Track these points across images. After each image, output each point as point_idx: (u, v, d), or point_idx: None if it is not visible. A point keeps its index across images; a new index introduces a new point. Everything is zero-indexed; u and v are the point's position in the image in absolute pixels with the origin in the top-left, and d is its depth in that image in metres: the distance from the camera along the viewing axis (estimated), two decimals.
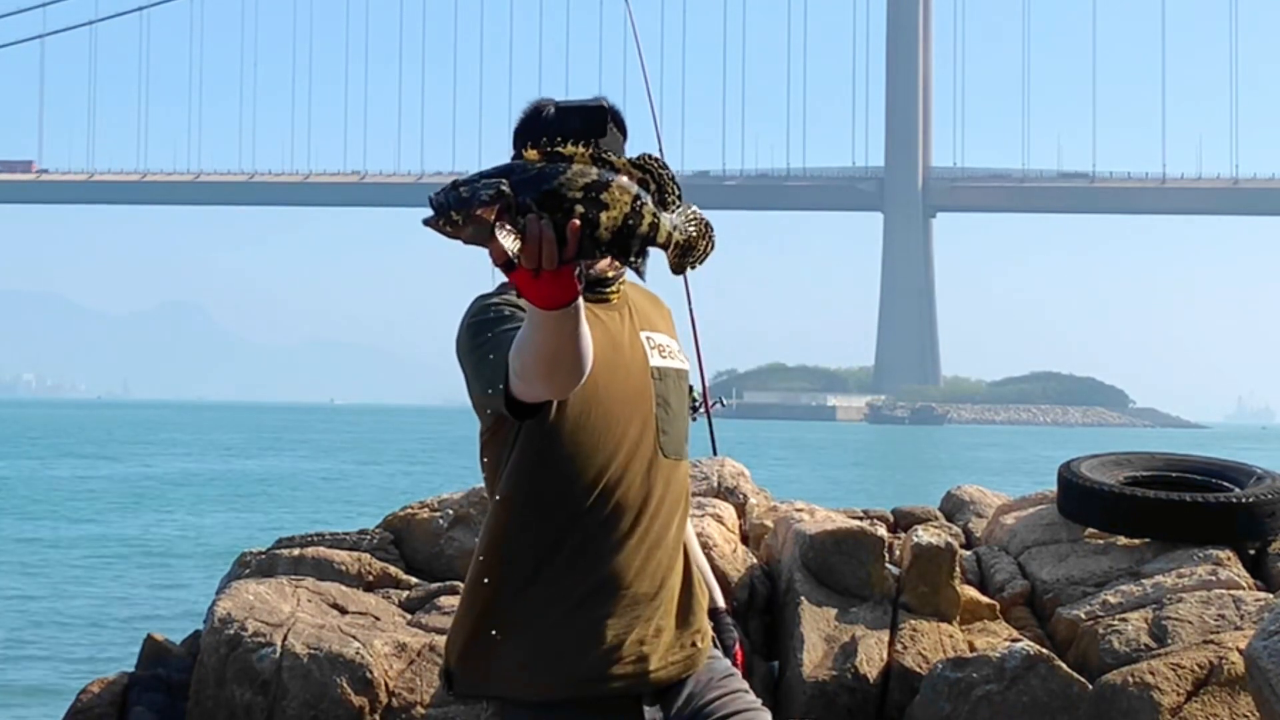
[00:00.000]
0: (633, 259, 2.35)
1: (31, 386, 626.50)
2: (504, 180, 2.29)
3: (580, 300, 2.39)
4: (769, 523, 7.89)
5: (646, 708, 2.82)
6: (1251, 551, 7.56)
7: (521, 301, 2.68)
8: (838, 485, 40.55)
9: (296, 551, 7.88)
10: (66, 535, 24.66)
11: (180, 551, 22.57)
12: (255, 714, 6.74)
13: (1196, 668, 6.29)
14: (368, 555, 7.87)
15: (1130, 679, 6.27)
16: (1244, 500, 7.46)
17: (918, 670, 6.72)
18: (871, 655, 6.79)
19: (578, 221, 2.29)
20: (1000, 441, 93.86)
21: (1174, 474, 7.97)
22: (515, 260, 2.28)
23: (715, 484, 8.23)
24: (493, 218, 2.27)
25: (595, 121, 2.81)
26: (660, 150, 10.10)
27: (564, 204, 2.29)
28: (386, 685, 6.75)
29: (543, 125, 2.82)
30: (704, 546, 7.36)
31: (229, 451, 60.42)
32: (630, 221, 2.32)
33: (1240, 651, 6.13)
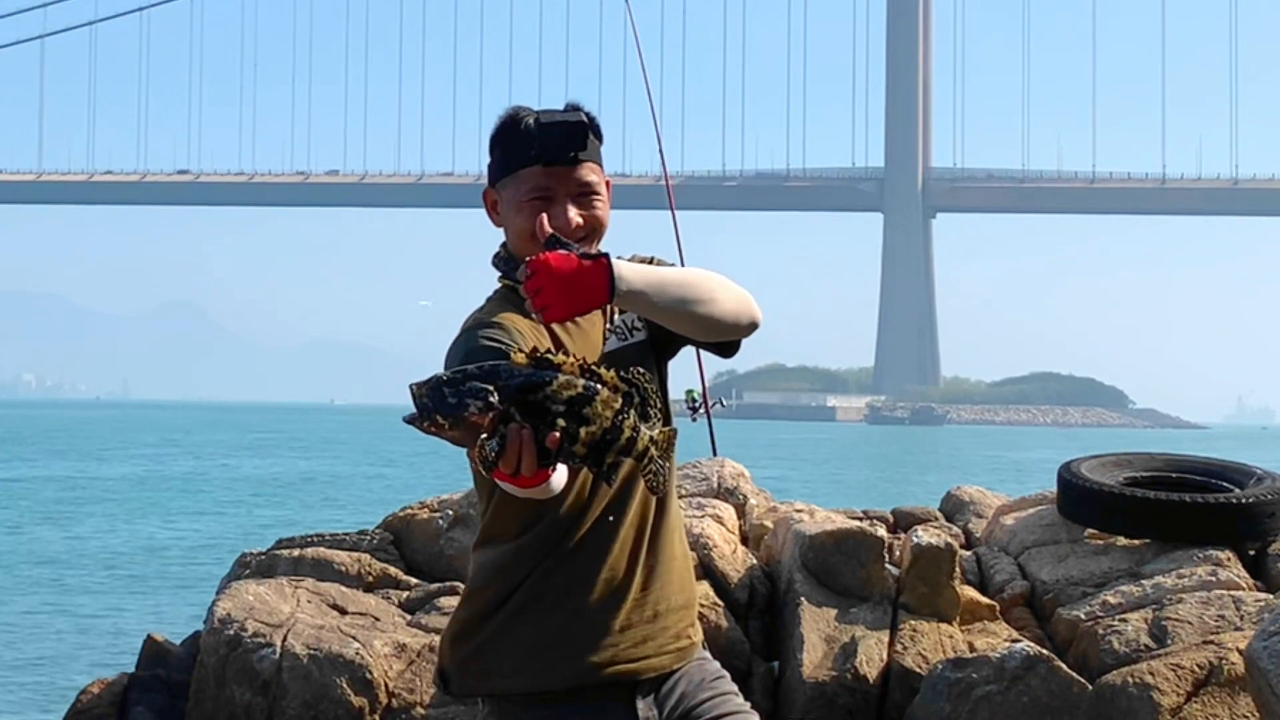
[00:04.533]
0: (604, 469, 2.41)
1: (31, 387, 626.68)
2: (491, 388, 2.34)
3: (553, 480, 2.48)
4: (769, 523, 7.89)
5: (640, 699, 2.83)
6: (1251, 552, 7.56)
7: (513, 340, 2.71)
8: (838, 485, 40.56)
9: (296, 552, 7.88)
10: (66, 535, 24.67)
11: (180, 551, 22.58)
12: (255, 714, 6.74)
13: (1196, 668, 6.29)
14: (367, 556, 7.87)
15: (1130, 679, 6.27)
16: (1244, 501, 7.46)
17: (918, 670, 6.72)
18: (871, 656, 6.79)
19: (558, 435, 2.34)
20: (1000, 442, 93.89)
21: (1174, 474, 7.97)
22: (495, 463, 2.35)
23: (715, 484, 8.23)
24: (483, 425, 2.33)
25: (576, 136, 2.80)
26: (660, 150, 10.13)
27: (547, 416, 2.35)
28: (386, 686, 6.75)
29: (522, 137, 2.81)
30: (704, 547, 7.36)
31: (229, 452, 60.42)
32: (609, 436, 2.38)
33: (1240, 652, 6.13)
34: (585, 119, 2.82)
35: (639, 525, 2.85)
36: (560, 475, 2.53)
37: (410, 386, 2.35)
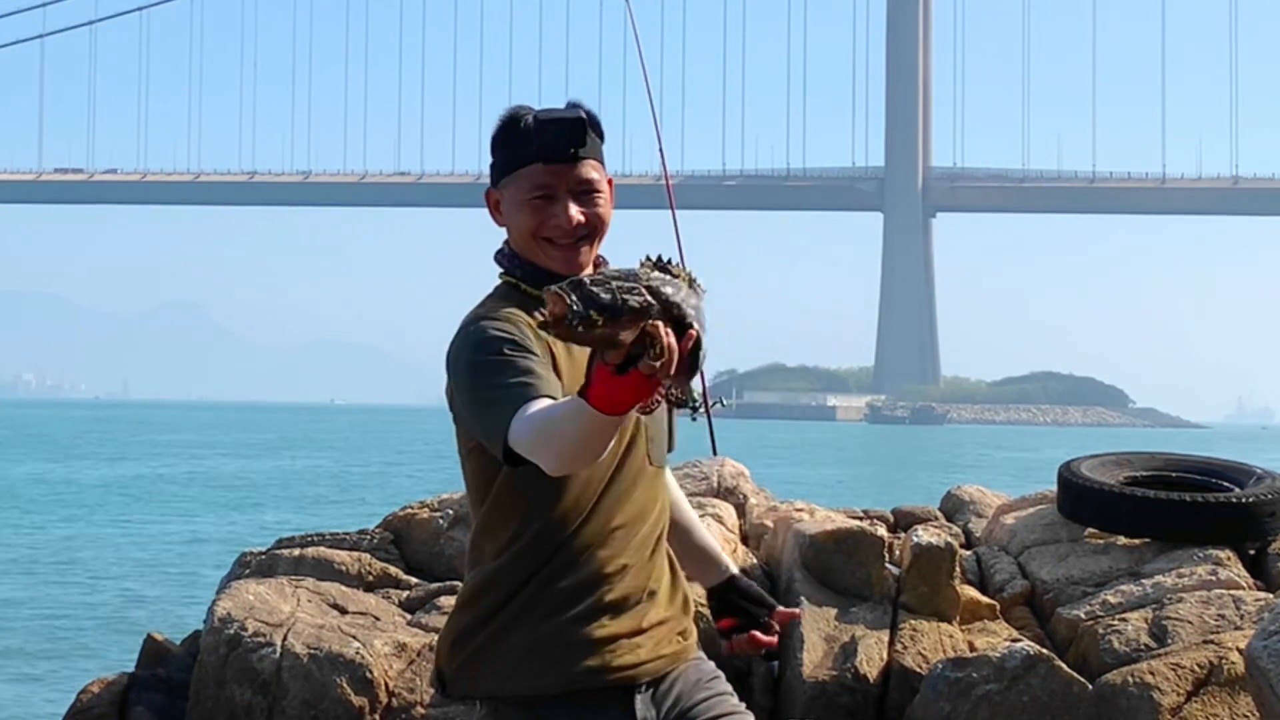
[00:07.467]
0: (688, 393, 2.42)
1: (31, 386, 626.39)
2: (640, 287, 2.30)
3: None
4: (769, 523, 7.89)
5: (638, 696, 2.84)
6: (1251, 551, 7.56)
7: (523, 337, 2.69)
8: (838, 485, 40.56)
9: (297, 551, 7.88)
10: (67, 535, 24.67)
11: (180, 551, 22.58)
12: (255, 714, 6.74)
13: (1196, 668, 6.30)
14: (368, 555, 7.87)
15: (1130, 679, 6.27)
16: (1244, 500, 7.46)
17: (918, 670, 6.72)
18: (871, 655, 6.79)
19: (694, 332, 2.32)
20: (1000, 441, 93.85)
21: (1174, 474, 7.97)
22: (659, 359, 2.27)
23: (715, 484, 8.23)
24: (641, 325, 2.28)
25: (575, 133, 2.80)
26: (660, 150, 10.11)
27: (684, 319, 2.33)
28: (386, 685, 6.75)
29: (522, 136, 2.81)
30: None
31: (229, 451, 60.42)
32: (704, 349, 2.37)
33: (1240, 651, 6.13)
34: (584, 116, 2.82)
35: (641, 540, 2.85)
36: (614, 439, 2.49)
37: (549, 290, 2.27)
